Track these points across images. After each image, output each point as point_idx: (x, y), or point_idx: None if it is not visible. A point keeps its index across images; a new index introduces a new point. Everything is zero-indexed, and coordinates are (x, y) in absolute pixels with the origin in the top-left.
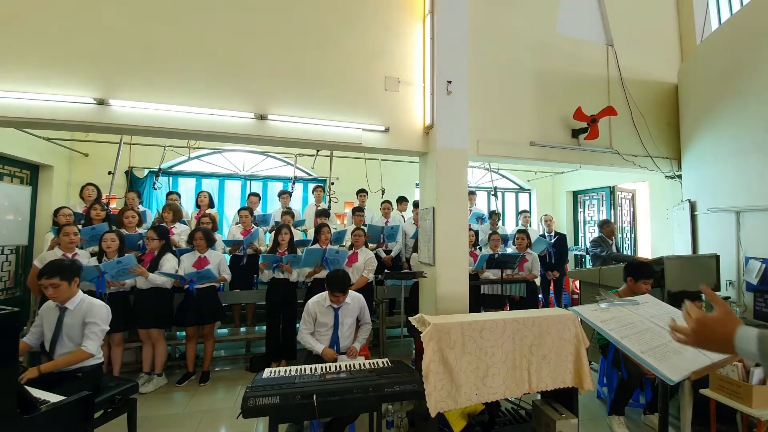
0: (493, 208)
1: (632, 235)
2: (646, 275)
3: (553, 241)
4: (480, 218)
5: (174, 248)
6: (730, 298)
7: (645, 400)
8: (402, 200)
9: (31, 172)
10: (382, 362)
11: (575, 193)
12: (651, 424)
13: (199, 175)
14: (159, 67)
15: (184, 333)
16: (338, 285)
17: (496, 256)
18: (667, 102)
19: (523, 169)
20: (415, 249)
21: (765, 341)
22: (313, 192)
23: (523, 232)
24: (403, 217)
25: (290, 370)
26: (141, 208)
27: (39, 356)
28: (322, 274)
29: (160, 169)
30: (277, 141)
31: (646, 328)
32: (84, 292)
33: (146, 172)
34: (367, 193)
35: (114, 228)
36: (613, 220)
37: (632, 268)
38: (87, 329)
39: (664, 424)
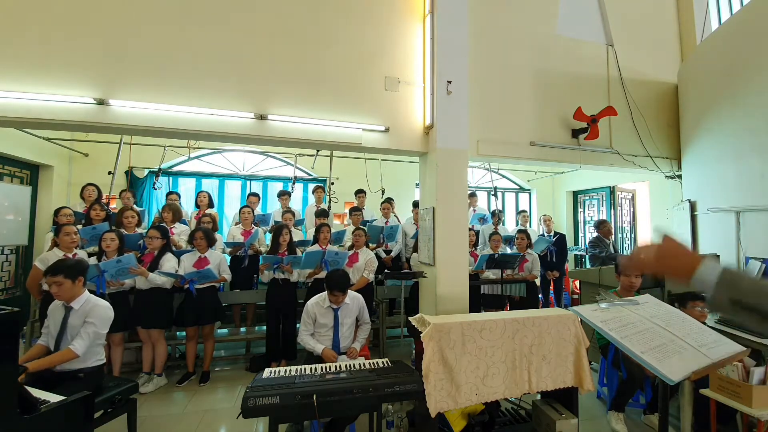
0: (493, 208)
1: (632, 236)
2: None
3: (552, 240)
4: (482, 218)
5: (173, 248)
6: None
7: (645, 400)
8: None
9: (31, 172)
10: (382, 362)
11: (575, 193)
12: (651, 424)
13: (199, 175)
14: (159, 67)
15: (184, 333)
16: (337, 285)
17: (497, 256)
18: (667, 102)
19: (523, 169)
20: (415, 249)
21: (729, 272)
22: (313, 192)
23: (523, 232)
24: (397, 218)
25: (290, 370)
26: (137, 208)
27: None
28: (323, 274)
29: (160, 169)
30: (277, 141)
31: (646, 328)
32: None
33: (146, 172)
34: (365, 193)
35: (114, 228)
36: (612, 220)
37: (616, 263)
38: (82, 329)
39: (664, 424)
